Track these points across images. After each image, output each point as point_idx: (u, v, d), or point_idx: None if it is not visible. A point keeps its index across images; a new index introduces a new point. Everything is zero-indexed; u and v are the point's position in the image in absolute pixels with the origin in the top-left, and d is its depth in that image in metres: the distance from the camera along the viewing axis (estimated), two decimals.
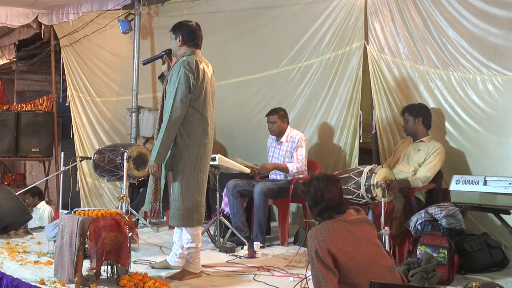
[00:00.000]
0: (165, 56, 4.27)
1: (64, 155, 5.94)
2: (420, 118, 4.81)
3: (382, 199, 3.98)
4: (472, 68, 4.70)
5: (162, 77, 4.33)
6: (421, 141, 4.82)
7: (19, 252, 4.71)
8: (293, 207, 5.95)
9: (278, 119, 5.45)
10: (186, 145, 3.98)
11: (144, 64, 4.72)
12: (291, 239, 5.37)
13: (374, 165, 4.64)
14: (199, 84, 3.98)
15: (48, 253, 4.68)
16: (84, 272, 3.78)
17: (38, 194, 7.44)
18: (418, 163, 4.73)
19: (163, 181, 4.07)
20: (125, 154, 5.46)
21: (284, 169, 5.37)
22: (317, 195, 3.03)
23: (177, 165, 3.99)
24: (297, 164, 5.33)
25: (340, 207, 3.03)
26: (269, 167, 5.41)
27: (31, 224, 6.45)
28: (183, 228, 4.07)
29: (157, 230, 5.92)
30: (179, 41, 4.10)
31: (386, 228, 3.83)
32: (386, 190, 4.09)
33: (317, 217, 3.05)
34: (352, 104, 5.57)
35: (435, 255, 3.95)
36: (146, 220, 6.15)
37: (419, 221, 4.25)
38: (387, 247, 3.75)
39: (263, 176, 5.53)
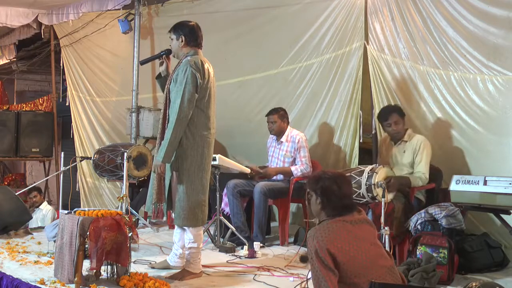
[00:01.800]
0: (164, 56, 4.27)
1: (64, 155, 5.93)
2: (405, 117, 4.82)
3: (382, 199, 3.98)
4: (472, 68, 4.70)
5: (159, 77, 4.31)
6: (403, 141, 4.77)
7: (19, 252, 4.71)
8: (293, 207, 5.95)
9: (278, 119, 5.45)
10: (191, 145, 3.98)
11: (141, 64, 4.71)
12: (291, 239, 5.37)
13: (375, 164, 4.64)
14: (205, 84, 3.99)
15: (48, 253, 4.68)
16: (84, 272, 3.78)
17: (42, 192, 7.53)
18: (409, 164, 4.70)
19: (167, 181, 4.06)
20: (125, 154, 5.46)
21: (288, 173, 5.35)
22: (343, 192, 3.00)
23: (182, 165, 3.99)
24: (301, 166, 5.32)
25: (353, 206, 3.03)
26: (272, 172, 5.38)
27: (33, 224, 6.46)
28: (186, 228, 4.07)
29: (157, 230, 5.92)
30: (182, 41, 4.08)
31: (386, 228, 3.83)
32: (386, 190, 4.08)
33: (328, 213, 3.00)
34: (352, 104, 5.57)
35: (435, 255, 3.95)
36: (146, 220, 6.15)
37: (419, 221, 4.25)
38: (387, 247, 3.75)
39: (263, 176, 5.53)
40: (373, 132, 5.49)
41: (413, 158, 4.68)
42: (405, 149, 4.75)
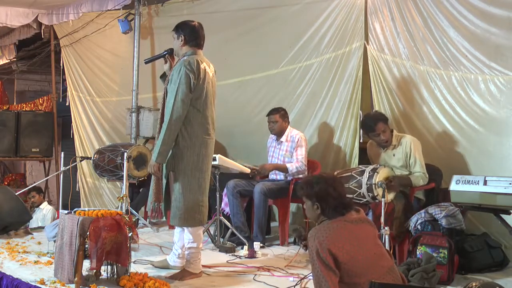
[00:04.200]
0: (167, 55, 4.27)
1: (64, 155, 5.94)
2: (388, 121, 4.80)
3: (382, 199, 3.98)
4: (473, 68, 4.70)
5: (163, 76, 4.33)
6: (391, 145, 4.74)
7: (19, 252, 4.71)
8: (293, 207, 5.94)
9: (279, 119, 5.45)
10: (187, 145, 3.98)
11: (146, 63, 4.73)
12: (291, 239, 5.37)
13: (376, 164, 4.64)
14: (200, 84, 3.98)
15: (48, 253, 4.67)
16: (84, 272, 3.78)
17: (42, 192, 7.52)
18: (401, 167, 4.70)
19: (164, 181, 4.06)
20: (125, 154, 5.46)
21: (284, 169, 5.36)
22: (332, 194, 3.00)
23: (178, 165, 3.99)
24: (296, 164, 5.32)
25: (351, 203, 3.04)
26: (269, 168, 5.40)
27: (33, 224, 6.46)
28: (185, 228, 4.07)
29: (157, 230, 5.92)
30: (181, 40, 4.09)
31: (386, 228, 3.83)
32: (386, 191, 4.08)
33: (329, 216, 2.99)
34: (352, 104, 5.57)
35: (435, 255, 3.94)
36: (146, 220, 6.15)
37: (419, 221, 4.24)
38: (387, 247, 3.74)
39: (263, 176, 5.53)
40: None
41: (406, 160, 4.67)
42: (394, 153, 4.75)
